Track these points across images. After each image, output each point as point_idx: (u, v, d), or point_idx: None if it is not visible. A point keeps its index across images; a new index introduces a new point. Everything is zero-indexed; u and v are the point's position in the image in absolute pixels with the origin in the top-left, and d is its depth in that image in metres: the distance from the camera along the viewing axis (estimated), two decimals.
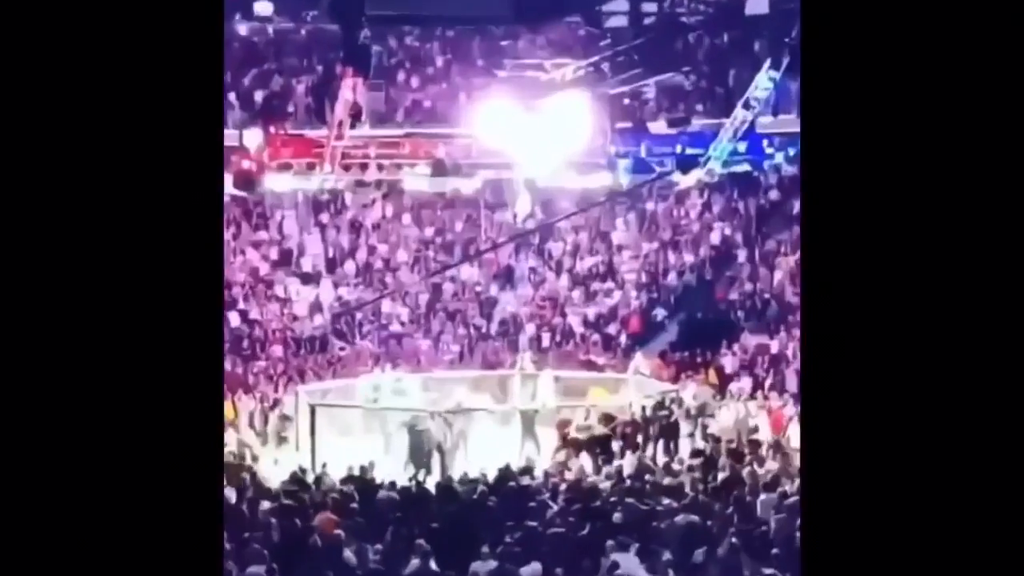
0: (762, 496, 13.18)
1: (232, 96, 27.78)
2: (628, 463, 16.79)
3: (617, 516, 12.30)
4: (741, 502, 13.13)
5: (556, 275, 31.03)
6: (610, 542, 11.04)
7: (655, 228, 31.80)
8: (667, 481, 14.78)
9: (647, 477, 15.14)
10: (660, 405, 19.68)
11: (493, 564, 10.78)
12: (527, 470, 16.10)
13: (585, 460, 17.55)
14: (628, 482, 14.71)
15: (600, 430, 18.43)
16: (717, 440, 18.05)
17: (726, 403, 22.34)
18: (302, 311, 28.77)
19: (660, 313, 29.15)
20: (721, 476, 14.95)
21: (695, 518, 12.31)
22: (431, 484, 15.82)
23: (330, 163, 26.20)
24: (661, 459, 18.10)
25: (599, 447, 18.02)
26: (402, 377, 24.09)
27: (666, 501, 13.39)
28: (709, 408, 21.09)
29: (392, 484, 15.02)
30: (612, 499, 13.46)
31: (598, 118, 27.26)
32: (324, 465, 16.42)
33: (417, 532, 11.87)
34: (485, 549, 11.26)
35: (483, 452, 18.19)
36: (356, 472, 15.49)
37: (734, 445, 17.43)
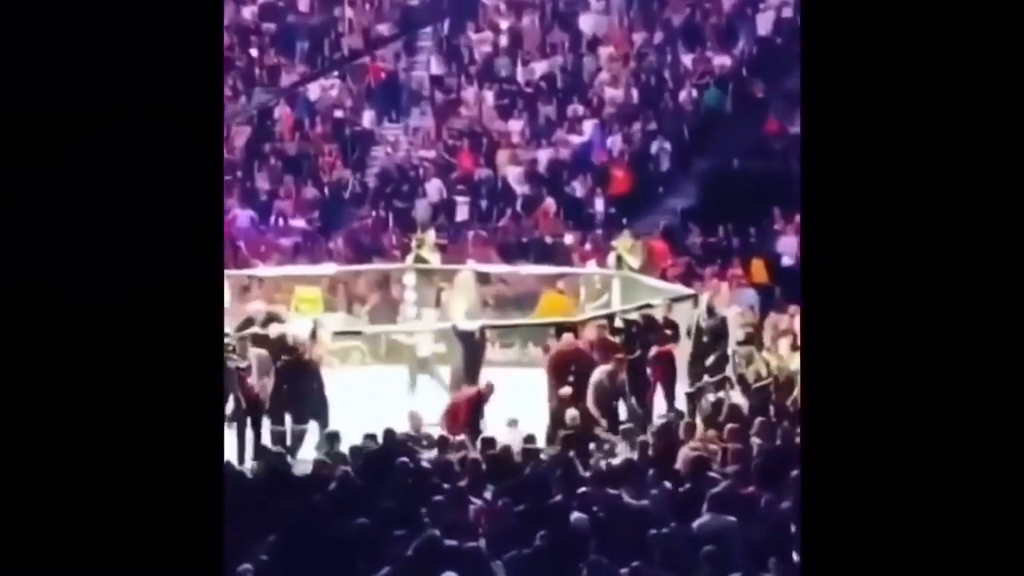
0: None
1: None
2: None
3: (577, 516, 12.57)
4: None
5: (478, 90, 31.08)
6: (581, 565, 11.38)
7: (656, 5, 31.90)
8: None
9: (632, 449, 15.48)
10: (654, 323, 19.90)
11: None
12: (425, 437, 16.33)
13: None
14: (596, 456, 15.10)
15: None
16: (760, 385, 18.46)
17: (781, 318, 22.70)
18: None
19: (665, 158, 29.40)
20: (761, 447, 15.32)
21: (729, 519, 12.64)
22: (247, 466, 16.30)
23: None
24: (660, 415, 18.59)
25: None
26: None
27: (669, 486, 13.68)
28: (745, 327, 21.38)
29: None
30: (576, 487, 13.68)
31: None
32: None
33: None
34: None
35: (349, 407, 18.41)
36: None
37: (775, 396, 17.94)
